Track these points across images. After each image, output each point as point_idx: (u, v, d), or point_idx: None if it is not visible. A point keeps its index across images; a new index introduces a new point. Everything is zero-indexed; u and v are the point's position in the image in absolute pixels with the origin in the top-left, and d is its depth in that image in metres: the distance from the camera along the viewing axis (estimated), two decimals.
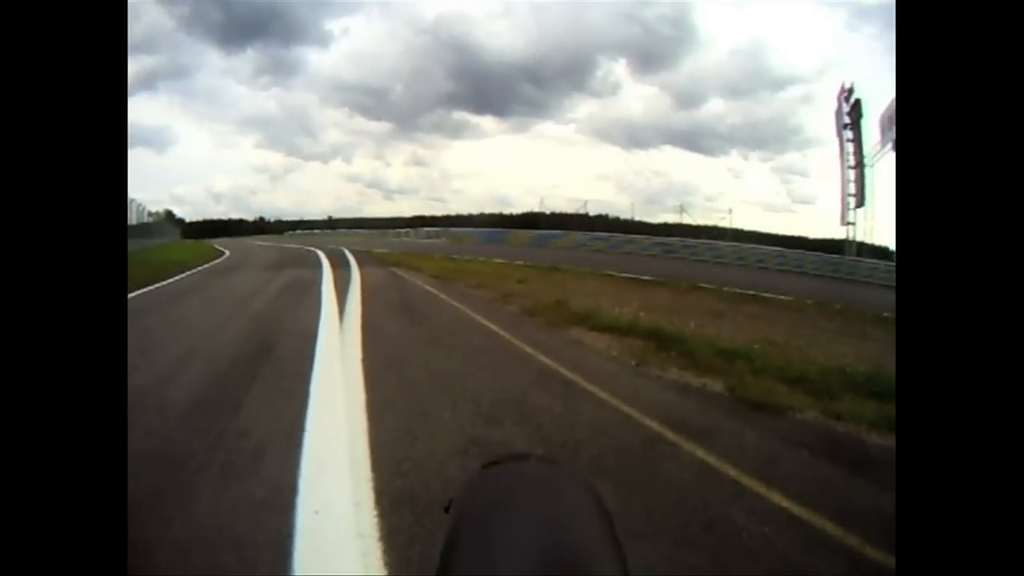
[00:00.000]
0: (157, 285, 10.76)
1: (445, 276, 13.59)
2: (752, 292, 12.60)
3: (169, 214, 67.81)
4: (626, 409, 3.98)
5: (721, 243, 31.55)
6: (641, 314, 7.78)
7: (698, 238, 33.30)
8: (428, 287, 11.58)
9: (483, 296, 10.27)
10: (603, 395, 4.31)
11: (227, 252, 26.02)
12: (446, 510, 0.60)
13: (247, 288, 11.02)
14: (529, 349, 5.86)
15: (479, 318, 7.85)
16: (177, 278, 12.53)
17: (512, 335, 6.59)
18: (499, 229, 41.22)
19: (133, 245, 22.74)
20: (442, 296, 10.15)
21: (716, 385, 4.61)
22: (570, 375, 4.88)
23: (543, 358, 5.49)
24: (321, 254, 22.56)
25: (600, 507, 0.58)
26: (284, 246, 33.52)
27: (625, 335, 6.47)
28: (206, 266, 16.73)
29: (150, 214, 35.73)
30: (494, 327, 7.12)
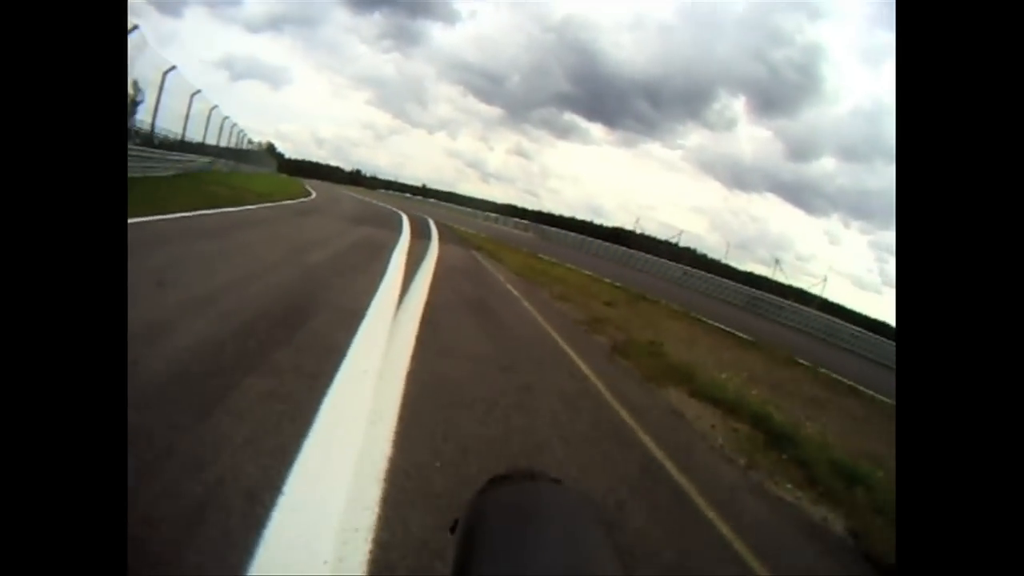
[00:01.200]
0: (222, 210, 9.90)
1: (528, 276, 12.47)
2: (849, 382, 11.10)
3: (271, 147, 71.13)
4: (753, 563, 2.86)
5: (812, 311, 28.69)
6: (752, 391, 6.57)
7: (784, 297, 30.55)
8: (508, 285, 10.48)
9: (568, 314, 8.98)
10: (721, 528, 3.14)
11: (313, 194, 25.84)
12: (452, 531, 0.58)
13: (313, 236, 10.14)
14: (624, 414, 4.45)
15: (564, 344, 6.53)
16: (247, 208, 11.63)
17: (604, 384, 5.22)
18: (589, 238, 39.74)
19: (222, 167, 22.85)
20: (523, 302, 8.92)
21: (837, 524, 3.75)
22: (677, 477, 3.61)
23: (643, 436, 4.10)
24: (405, 219, 21.79)
25: (606, 526, 0.58)
26: (370, 201, 33.30)
27: (730, 413, 5.48)
28: (284, 203, 16.06)
29: (250, 142, 36.75)
30: (582, 365, 5.74)
